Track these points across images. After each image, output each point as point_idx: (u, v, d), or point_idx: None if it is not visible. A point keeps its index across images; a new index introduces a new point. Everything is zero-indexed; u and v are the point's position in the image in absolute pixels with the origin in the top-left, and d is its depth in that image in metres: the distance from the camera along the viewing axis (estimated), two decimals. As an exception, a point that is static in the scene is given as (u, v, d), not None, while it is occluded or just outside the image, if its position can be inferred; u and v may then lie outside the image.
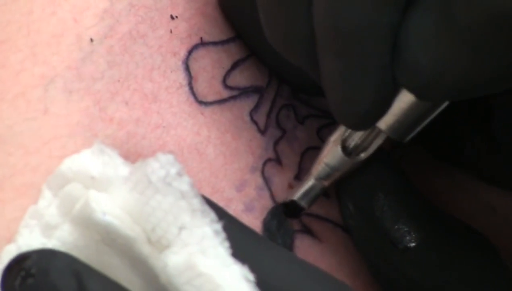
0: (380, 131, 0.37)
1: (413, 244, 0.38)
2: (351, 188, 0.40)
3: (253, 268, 0.33)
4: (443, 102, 0.36)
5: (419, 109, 0.36)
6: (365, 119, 0.35)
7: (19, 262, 0.33)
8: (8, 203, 0.37)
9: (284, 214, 0.40)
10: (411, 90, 0.33)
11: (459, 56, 0.31)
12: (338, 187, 0.41)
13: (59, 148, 0.37)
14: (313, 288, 0.34)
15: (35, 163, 0.37)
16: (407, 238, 0.38)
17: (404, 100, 0.35)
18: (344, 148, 0.38)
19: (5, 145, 0.37)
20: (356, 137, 0.38)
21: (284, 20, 0.35)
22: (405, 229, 0.38)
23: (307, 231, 0.41)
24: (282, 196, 0.41)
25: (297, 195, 0.40)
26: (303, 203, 0.39)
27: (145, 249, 0.34)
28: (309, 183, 0.39)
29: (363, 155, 0.38)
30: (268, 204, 0.41)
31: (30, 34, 0.38)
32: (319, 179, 0.39)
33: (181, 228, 0.34)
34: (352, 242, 0.41)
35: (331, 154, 0.39)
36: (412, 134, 0.37)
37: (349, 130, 0.38)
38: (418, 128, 0.37)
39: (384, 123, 0.36)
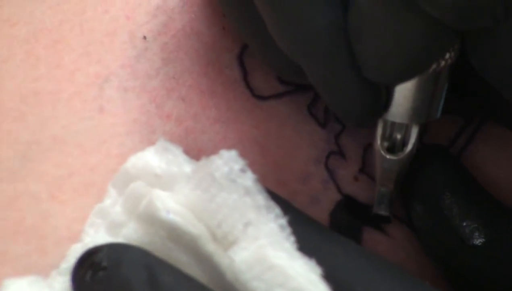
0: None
1: (482, 240, 0.37)
2: (417, 190, 0.39)
3: (320, 262, 0.32)
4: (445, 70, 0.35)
5: (424, 89, 0.36)
6: (361, 117, 0.36)
7: (91, 255, 0.33)
8: (68, 203, 0.37)
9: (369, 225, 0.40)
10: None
11: None
12: (403, 190, 0.40)
13: (116, 146, 0.37)
14: (384, 281, 0.33)
15: (93, 162, 0.37)
16: (476, 234, 0.38)
17: (404, 88, 0.35)
18: (389, 149, 0.38)
19: (62, 145, 0.37)
20: (394, 135, 0.38)
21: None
22: (474, 225, 0.38)
23: (375, 225, 0.40)
24: (348, 188, 0.40)
25: (374, 207, 0.39)
26: (383, 212, 0.39)
27: (210, 247, 0.34)
28: (378, 192, 0.39)
29: (406, 149, 0.38)
30: (334, 196, 0.39)
31: (83, 33, 0.38)
32: (383, 184, 0.38)
33: (246, 224, 0.33)
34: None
35: (379, 159, 0.38)
36: (438, 111, 0.37)
37: (386, 132, 0.38)
38: (440, 103, 0.37)
39: (401, 116, 0.36)
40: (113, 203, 0.36)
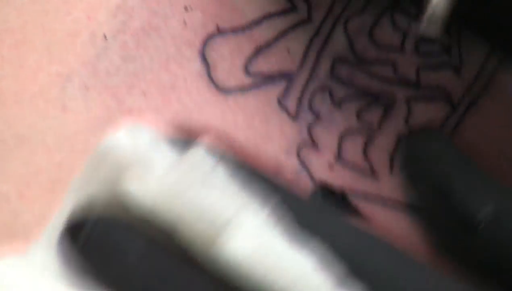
0: None
1: (487, 218, 0.37)
2: (421, 172, 0.39)
3: (323, 240, 0.32)
4: None
5: None
6: None
7: (77, 225, 0.33)
8: (35, 200, 0.37)
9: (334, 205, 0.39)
10: None
11: None
12: (403, 173, 0.40)
13: (81, 143, 0.38)
14: (390, 260, 0.33)
15: (58, 160, 0.38)
16: (481, 213, 0.37)
17: None
18: None
19: (28, 144, 0.38)
20: None
21: None
22: (481, 201, 0.37)
23: (354, 211, 0.39)
24: (322, 177, 0.39)
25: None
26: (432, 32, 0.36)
27: (188, 244, 0.33)
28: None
29: None
30: (308, 186, 0.39)
31: (45, 34, 0.39)
32: None
33: (227, 219, 0.33)
34: (403, 222, 0.40)
35: None
36: None
37: None
38: None
39: None
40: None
